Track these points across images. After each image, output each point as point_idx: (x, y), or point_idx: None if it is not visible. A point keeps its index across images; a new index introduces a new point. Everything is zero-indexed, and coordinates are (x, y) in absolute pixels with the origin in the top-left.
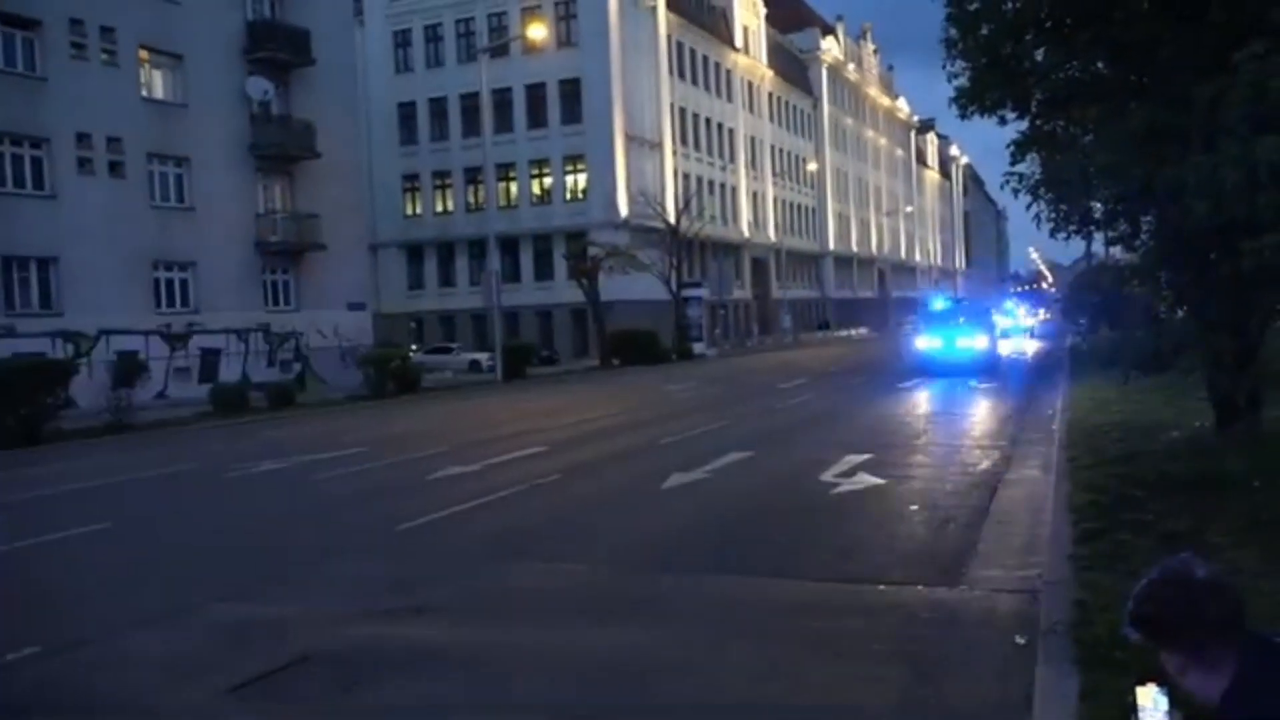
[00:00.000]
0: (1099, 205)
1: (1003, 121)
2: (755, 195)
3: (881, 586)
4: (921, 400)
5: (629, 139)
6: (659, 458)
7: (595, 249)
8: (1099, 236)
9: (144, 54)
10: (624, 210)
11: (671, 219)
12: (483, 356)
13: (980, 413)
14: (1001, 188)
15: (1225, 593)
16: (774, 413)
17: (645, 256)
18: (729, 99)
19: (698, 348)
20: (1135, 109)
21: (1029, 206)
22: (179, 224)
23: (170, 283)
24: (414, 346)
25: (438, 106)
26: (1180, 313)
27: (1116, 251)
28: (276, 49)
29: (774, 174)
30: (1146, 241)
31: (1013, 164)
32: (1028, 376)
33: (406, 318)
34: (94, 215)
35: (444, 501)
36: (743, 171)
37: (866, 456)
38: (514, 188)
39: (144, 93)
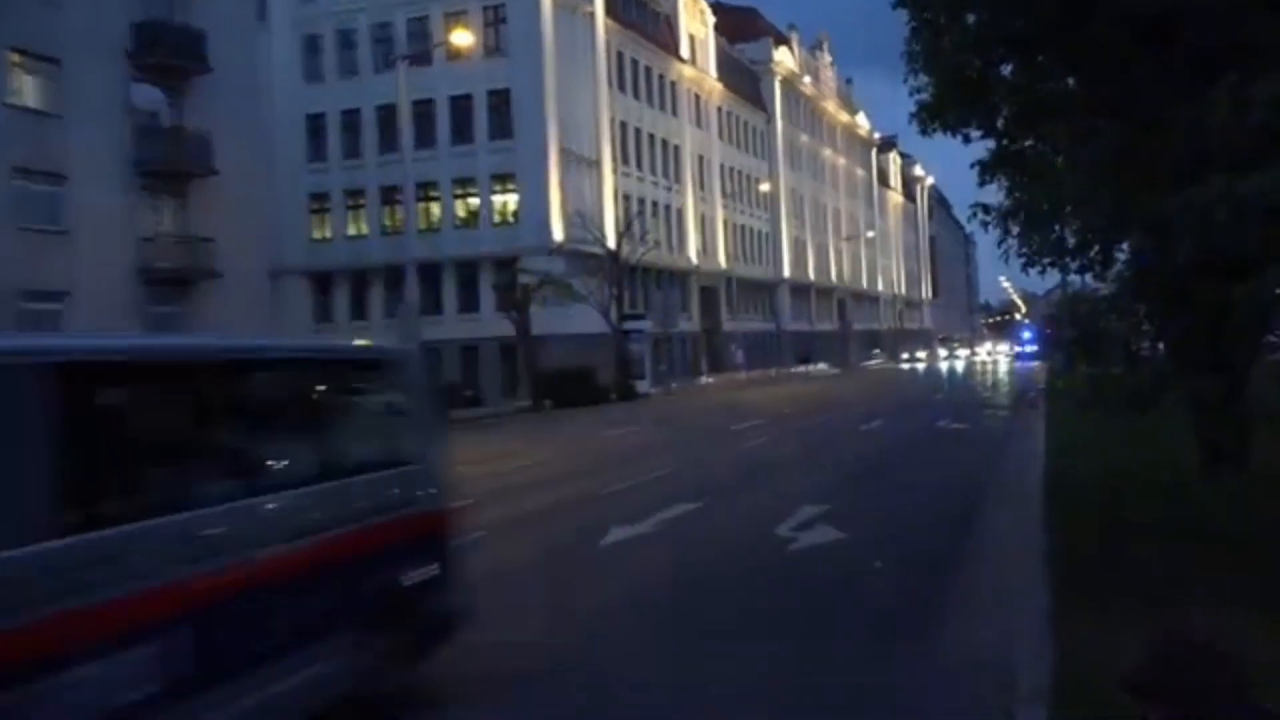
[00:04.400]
0: (1071, 234)
1: (967, 140)
2: (703, 218)
3: (844, 655)
4: (886, 443)
5: (564, 156)
6: (597, 511)
7: (526, 277)
8: (1074, 265)
9: (15, 57)
10: (559, 234)
11: (611, 244)
12: None
13: (950, 455)
14: (969, 221)
15: (1226, 659)
16: (725, 459)
17: (582, 285)
18: (674, 113)
19: (641, 386)
20: (1106, 130)
21: (1000, 243)
22: (50, 249)
23: (39, 315)
24: None
25: (351, 119)
26: (1161, 348)
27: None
28: (167, 54)
29: (724, 195)
30: (1121, 271)
31: (981, 184)
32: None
33: None
34: None
35: None
36: (690, 192)
37: (825, 507)
38: (436, 209)
39: (13, 100)
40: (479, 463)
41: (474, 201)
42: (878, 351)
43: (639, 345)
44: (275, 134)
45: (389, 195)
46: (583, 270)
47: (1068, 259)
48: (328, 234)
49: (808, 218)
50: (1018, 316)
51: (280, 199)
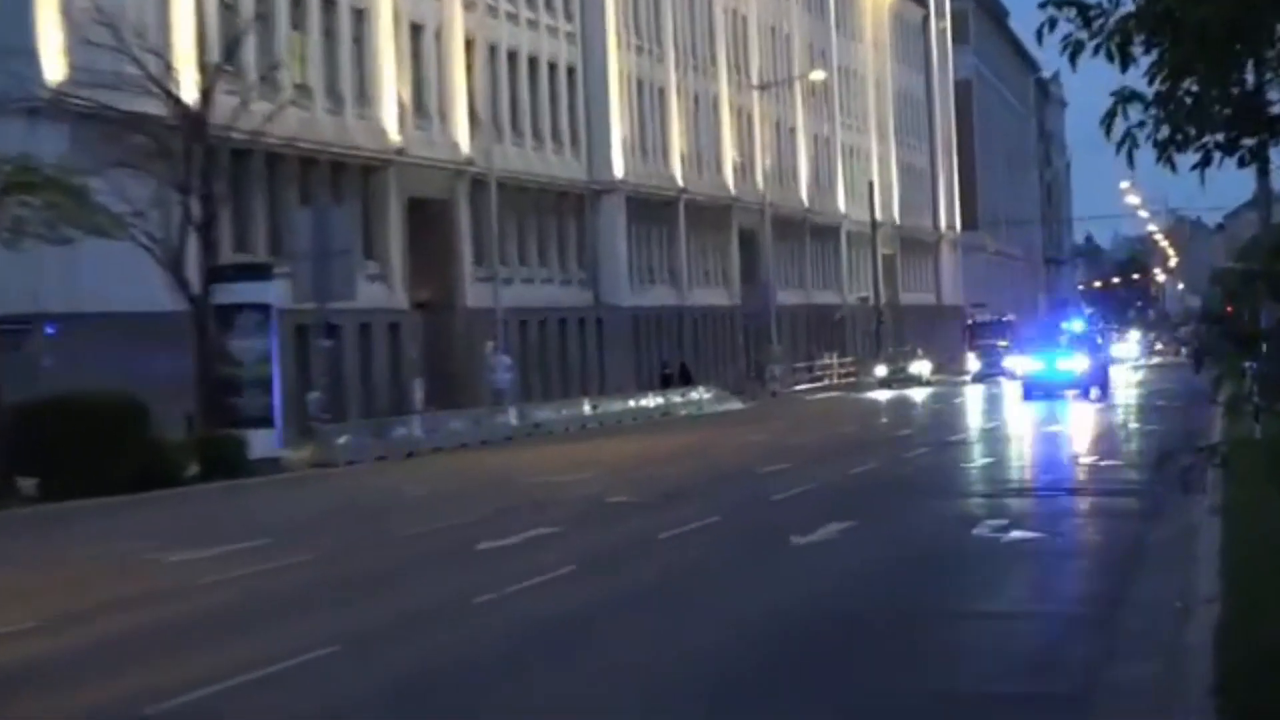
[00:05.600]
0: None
1: None
2: (417, 33)
3: None
4: (854, 581)
5: None
6: None
7: None
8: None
9: None
10: (55, 67)
11: (188, 93)
12: None
13: (1005, 608)
14: (1039, 35)
15: None
16: (462, 622)
17: (116, 195)
18: None
19: (259, 442)
20: None
21: (1108, 119)
22: None
23: None
24: None
25: None
26: None
27: None
28: None
29: None
30: None
31: None
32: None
33: None
34: None
35: None
36: None
37: None
38: None
39: None
40: None
41: None
42: (835, 359)
43: (254, 342)
44: None
45: None
46: (114, 155)
47: (1266, 135)
48: None
49: (672, 38)
50: (1159, 277)
51: None
